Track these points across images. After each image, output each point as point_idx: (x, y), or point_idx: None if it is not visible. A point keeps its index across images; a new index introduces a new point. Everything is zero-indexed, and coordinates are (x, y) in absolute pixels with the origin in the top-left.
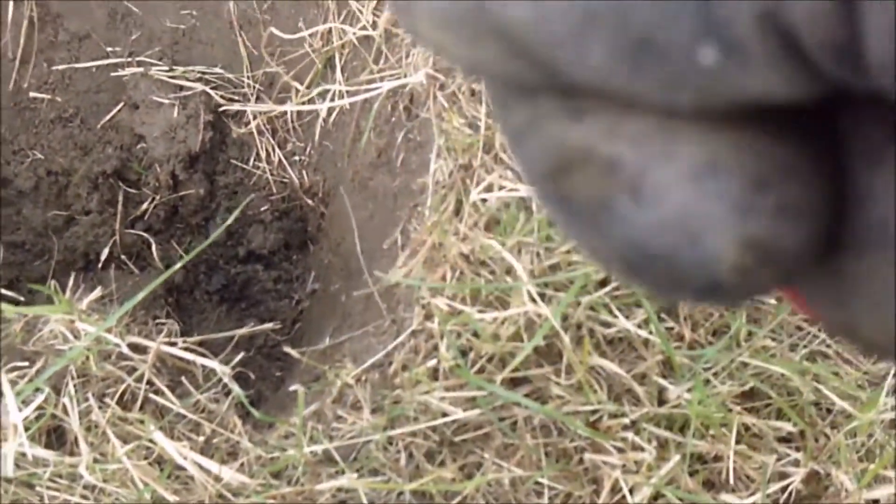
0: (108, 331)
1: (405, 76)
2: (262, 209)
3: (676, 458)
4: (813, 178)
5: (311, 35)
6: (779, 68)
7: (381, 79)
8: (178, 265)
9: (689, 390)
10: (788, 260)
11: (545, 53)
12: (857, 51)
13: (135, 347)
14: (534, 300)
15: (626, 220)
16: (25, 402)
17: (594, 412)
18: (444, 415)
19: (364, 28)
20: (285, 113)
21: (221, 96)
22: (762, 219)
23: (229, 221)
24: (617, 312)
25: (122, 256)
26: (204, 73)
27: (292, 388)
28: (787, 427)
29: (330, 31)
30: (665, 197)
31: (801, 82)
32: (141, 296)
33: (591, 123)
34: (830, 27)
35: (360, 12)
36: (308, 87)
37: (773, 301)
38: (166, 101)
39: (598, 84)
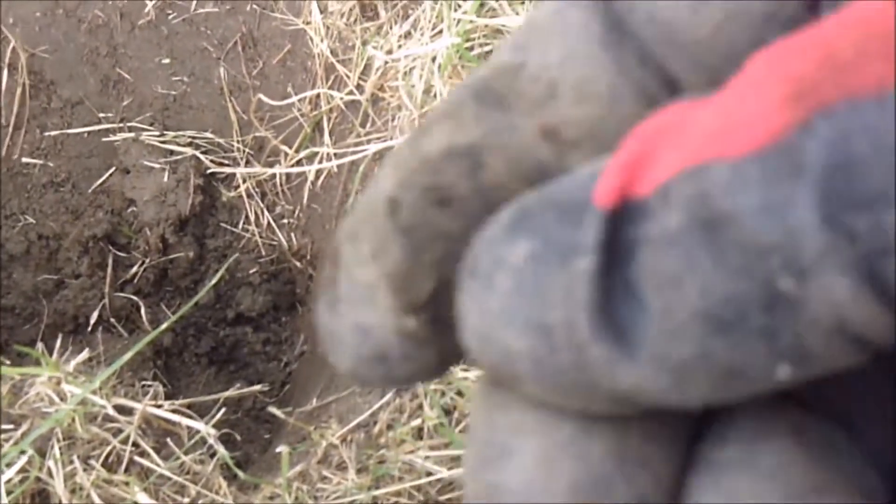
0: (95, 392)
1: (391, 139)
2: (251, 272)
3: None
4: None
5: (299, 100)
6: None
7: (368, 141)
8: (164, 326)
9: None
10: None
11: (650, 402)
12: None
13: (121, 409)
14: None
15: None
16: (9, 465)
17: None
18: (429, 474)
19: (351, 93)
20: (274, 176)
21: (211, 160)
22: None
23: (213, 282)
24: None
25: (112, 319)
26: (194, 137)
27: (279, 449)
28: None
29: (318, 96)
30: None
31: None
32: (127, 357)
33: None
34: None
35: (348, 77)
36: (296, 151)
37: None
38: (157, 166)
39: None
